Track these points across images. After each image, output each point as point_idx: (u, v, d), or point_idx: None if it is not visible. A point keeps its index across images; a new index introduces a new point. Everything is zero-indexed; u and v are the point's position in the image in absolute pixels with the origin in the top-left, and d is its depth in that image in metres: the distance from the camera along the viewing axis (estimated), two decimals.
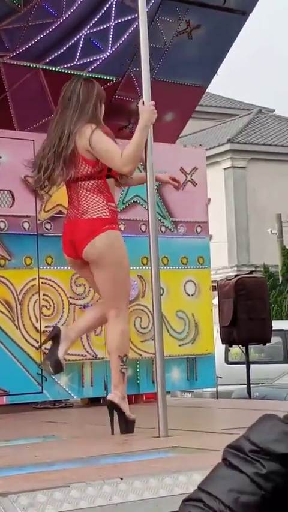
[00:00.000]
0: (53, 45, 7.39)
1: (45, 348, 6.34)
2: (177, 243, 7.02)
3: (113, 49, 7.57)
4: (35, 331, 6.30)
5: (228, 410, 6.53)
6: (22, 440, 4.56)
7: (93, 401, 6.72)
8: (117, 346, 4.66)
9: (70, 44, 7.43)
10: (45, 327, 6.33)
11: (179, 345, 6.96)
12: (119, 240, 4.68)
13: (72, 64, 7.49)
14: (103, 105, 4.85)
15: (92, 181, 4.65)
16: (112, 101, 7.34)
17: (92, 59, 7.56)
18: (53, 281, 6.42)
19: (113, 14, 7.41)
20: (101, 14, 7.39)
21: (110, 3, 7.36)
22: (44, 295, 6.36)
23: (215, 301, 8.93)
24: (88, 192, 4.67)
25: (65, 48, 7.43)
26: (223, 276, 13.78)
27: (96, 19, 7.41)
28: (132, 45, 7.24)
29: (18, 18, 7.09)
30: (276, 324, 10.85)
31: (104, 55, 7.58)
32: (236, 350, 11.92)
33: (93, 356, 6.49)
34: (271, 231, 27.39)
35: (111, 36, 7.51)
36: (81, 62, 7.53)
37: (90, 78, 5.23)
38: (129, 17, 7.33)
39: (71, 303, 6.49)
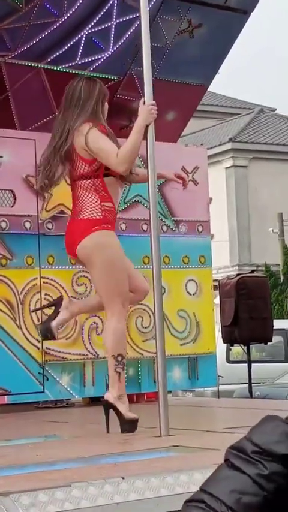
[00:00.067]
0: (54, 45, 7.39)
1: (46, 348, 6.35)
2: (179, 242, 7.02)
3: (115, 48, 7.57)
4: (37, 331, 6.29)
5: (230, 410, 6.52)
6: (23, 439, 4.56)
7: (95, 401, 6.72)
8: (111, 346, 4.68)
9: (71, 43, 7.43)
10: None
11: (181, 344, 6.96)
12: (109, 240, 4.67)
13: (73, 63, 7.49)
14: (106, 104, 4.86)
15: (89, 181, 4.69)
16: (113, 100, 7.34)
17: (93, 58, 7.56)
18: (55, 280, 6.42)
19: (115, 13, 7.41)
20: (102, 13, 7.39)
21: (111, 2, 7.36)
22: (45, 294, 6.35)
23: (217, 300, 8.93)
24: (84, 192, 4.71)
25: (66, 47, 7.43)
26: (224, 275, 13.77)
27: (97, 18, 7.41)
28: (133, 45, 7.24)
29: (20, 18, 7.09)
30: (278, 323, 10.85)
31: (106, 54, 7.58)
32: (238, 349, 11.92)
33: (94, 355, 6.49)
34: (272, 230, 27.39)
35: (112, 35, 7.51)
36: (83, 61, 7.53)
37: (93, 77, 5.25)
38: (131, 16, 7.33)
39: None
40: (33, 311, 6.16)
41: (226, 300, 8.93)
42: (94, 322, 6.51)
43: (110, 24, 7.46)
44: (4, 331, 6.17)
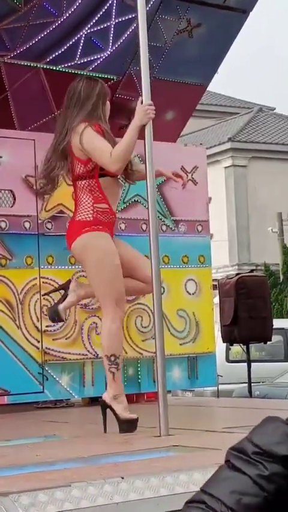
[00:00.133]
0: (53, 45, 7.39)
1: (46, 348, 6.35)
2: (178, 242, 7.02)
3: (114, 48, 7.57)
4: (36, 331, 6.30)
5: (229, 409, 6.53)
6: (23, 439, 4.56)
7: (94, 401, 6.71)
8: (105, 346, 4.70)
9: (71, 43, 7.43)
10: (46, 326, 6.34)
11: (180, 344, 6.96)
12: (97, 240, 4.68)
13: (72, 63, 7.49)
14: (107, 104, 4.86)
15: (84, 181, 4.72)
16: (113, 99, 7.33)
17: (92, 58, 7.56)
18: (54, 280, 6.42)
19: (114, 13, 7.41)
20: (101, 13, 7.39)
21: (110, 2, 7.36)
22: (44, 294, 6.35)
23: (216, 300, 8.93)
24: (80, 193, 4.77)
25: (65, 47, 7.43)
26: (224, 274, 13.77)
27: (96, 18, 7.41)
28: (132, 44, 7.23)
29: (19, 18, 7.09)
30: (277, 323, 10.86)
31: (105, 54, 7.58)
32: (237, 349, 11.92)
33: (94, 355, 6.49)
34: (272, 229, 27.40)
35: (111, 35, 7.51)
36: (82, 61, 7.53)
37: (95, 77, 5.28)
38: (130, 16, 7.33)
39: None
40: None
41: (225, 300, 8.94)
42: (94, 322, 6.51)
43: (109, 24, 7.46)
44: (4, 331, 6.17)
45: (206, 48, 7.88)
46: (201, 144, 10.91)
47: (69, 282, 5.03)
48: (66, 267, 6.45)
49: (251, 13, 8.01)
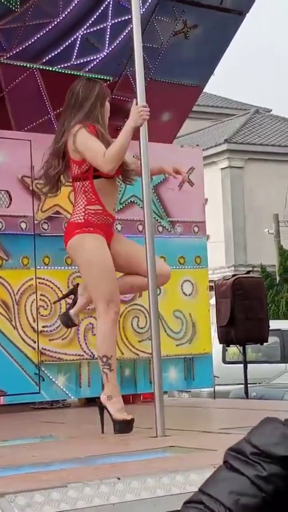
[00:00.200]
0: (49, 45, 7.39)
1: (42, 348, 6.35)
2: (174, 243, 7.03)
3: (110, 49, 7.57)
4: (32, 332, 6.30)
5: (226, 410, 6.53)
6: (19, 440, 4.56)
7: (91, 401, 6.71)
8: (98, 347, 4.73)
9: (67, 44, 7.43)
10: (43, 327, 6.34)
11: (176, 345, 6.96)
12: (87, 242, 4.70)
13: (69, 64, 7.49)
14: (107, 105, 4.87)
15: (79, 183, 4.77)
16: (109, 100, 7.34)
17: (88, 59, 7.56)
18: (50, 281, 6.42)
19: (110, 14, 7.41)
20: (97, 14, 7.39)
21: (106, 3, 7.36)
22: (41, 295, 6.36)
23: (212, 301, 8.93)
24: (76, 194, 4.84)
25: (61, 48, 7.43)
26: (220, 276, 13.77)
27: (93, 19, 7.41)
28: (129, 45, 7.21)
29: (15, 18, 7.09)
30: (274, 324, 10.86)
31: (101, 55, 7.58)
32: (234, 350, 11.93)
33: (90, 356, 6.49)
34: (268, 231, 27.39)
35: (108, 36, 7.51)
36: (78, 62, 7.53)
37: (94, 79, 5.30)
38: (126, 17, 7.32)
39: (68, 303, 6.48)
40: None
41: (222, 301, 8.94)
42: (90, 323, 6.51)
43: (105, 25, 7.46)
44: (0, 332, 6.17)
45: (202, 49, 7.88)
46: (197, 145, 10.91)
47: (77, 286, 5.04)
48: (63, 267, 6.45)
49: (248, 14, 8.03)
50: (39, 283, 6.36)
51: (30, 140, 6.42)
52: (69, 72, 7.42)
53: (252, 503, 1.48)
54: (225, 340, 9.04)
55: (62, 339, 6.42)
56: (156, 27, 7.60)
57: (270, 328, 9.20)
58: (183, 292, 7.05)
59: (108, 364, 4.64)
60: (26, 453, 3.99)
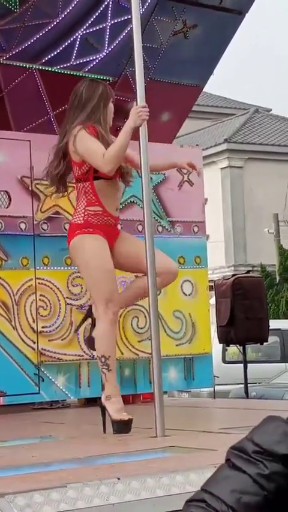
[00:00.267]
0: (49, 46, 7.39)
1: (42, 349, 6.35)
2: (174, 243, 7.02)
3: (110, 49, 7.57)
4: (32, 332, 6.30)
5: (226, 410, 6.53)
6: (19, 440, 4.56)
7: (90, 402, 6.72)
8: (97, 347, 4.75)
9: (66, 44, 7.43)
10: (42, 327, 6.34)
11: (176, 345, 6.96)
12: (86, 243, 4.71)
13: (68, 64, 7.49)
14: (110, 106, 4.88)
15: (80, 184, 4.80)
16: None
17: (88, 59, 7.56)
18: (50, 281, 6.42)
19: (109, 14, 7.41)
20: (97, 14, 7.40)
21: (106, 3, 7.36)
22: (40, 295, 6.36)
23: (212, 300, 8.93)
24: (78, 195, 4.87)
25: (61, 48, 7.43)
26: (220, 275, 13.77)
27: (92, 19, 7.41)
28: (128, 45, 7.22)
29: (15, 19, 7.09)
30: (274, 324, 10.86)
31: (101, 55, 7.58)
32: (233, 350, 11.93)
33: (90, 356, 6.49)
34: (268, 230, 27.39)
35: (107, 36, 7.51)
36: (78, 62, 7.53)
37: (98, 79, 5.33)
38: (125, 17, 7.33)
39: (67, 304, 6.49)
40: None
41: (222, 301, 8.94)
42: (89, 323, 6.50)
43: (104, 25, 7.46)
44: None
45: (201, 49, 7.88)
46: (197, 145, 10.91)
47: (90, 308, 5.00)
48: (62, 268, 6.45)
49: (248, 14, 8.03)
50: (38, 283, 6.36)
51: (29, 141, 6.42)
52: (68, 72, 7.43)
53: (254, 501, 1.48)
54: (225, 340, 9.04)
55: (62, 340, 6.42)
56: (156, 27, 7.60)
57: (270, 327, 9.19)
58: (183, 292, 7.05)
59: (106, 365, 4.64)
60: (25, 453, 3.99)
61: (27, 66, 7.37)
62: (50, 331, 6.37)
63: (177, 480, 2.99)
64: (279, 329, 13.52)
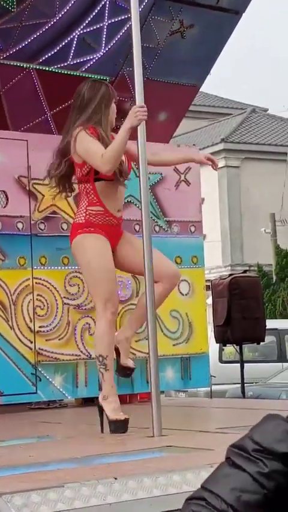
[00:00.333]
0: (46, 45, 7.39)
1: (39, 349, 6.35)
2: (171, 243, 7.02)
3: (107, 49, 7.57)
4: (29, 332, 6.29)
5: (222, 410, 6.53)
6: (16, 440, 4.56)
7: (88, 401, 6.72)
8: (95, 346, 4.78)
9: (63, 44, 7.44)
10: (39, 327, 6.34)
11: (173, 345, 6.96)
12: (87, 242, 4.72)
13: (65, 64, 7.50)
14: (112, 106, 4.88)
15: (82, 185, 4.83)
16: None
17: (85, 59, 7.56)
18: (47, 281, 6.42)
19: (107, 14, 7.42)
20: (94, 14, 7.40)
21: (103, 3, 7.37)
22: (37, 295, 6.35)
23: (209, 300, 8.93)
24: (80, 196, 4.88)
25: (58, 48, 7.44)
26: (217, 275, 13.78)
27: (89, 19, 7.42)
28: (125, 45, 7.24)
29: (12, 18, 7.09)
30: (270, 323, 10.86)
31: (98, 55, 7.58)
32: (230, 349, 11.93)
33: (87, 356, 6.49)
34: (265, 230, 27.41)
35: (104, 36, 7.52)
36: (75, 62, 7.53)
37: (100, 80, 5.34)
38: (123, 17, 7.34)
39: (65, 303, 6.49)
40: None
41: (219, 300, 8.94)
42: (87, 323, 6.51)
43: (102, 24, 7.46)
44: None
45: (198, 49, 7.89)
46: (194, 144, 10.92)
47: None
48: (59, 267, 6.45)
49: (244, 15, 8.04)
50: (35, 283, 6.36)
51: (26, 140, 6.42)
52: (65, 72, 7.43)
53: (253, 499, 1.49)
54: (222, 339, 9.04)
55: (59, 339, 6.42)
56: (153, 27, 7.60)
57: (267, 327, 9.19)
58: (180, 292, 7.06)
59: (104, 364, 4.65)
60: (22, 453, 3.99)
61: (25, 65, 7.37)
62: (47, 331, 6.37)
63: (174, 480, 2.99)
64: (275, 329, 13.52)
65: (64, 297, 6.49)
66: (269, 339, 11.53)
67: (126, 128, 4.62)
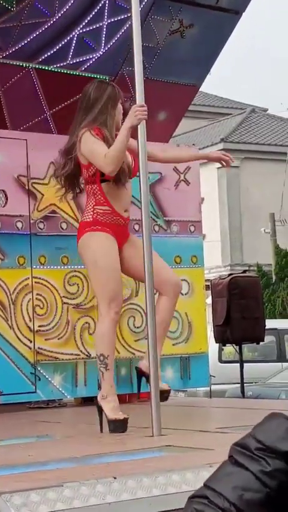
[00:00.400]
0: (45, 45, 7.39)
1: (38, 348, 6.35)
2: (171, 242, 7.02)
3: (106, 48, 7.57)
4: (29, 331, 6.29)
5: (222, 410, 6.53)
6: (15, 439, 4.56)
7: (87, 401, 6.72)
8: (96, 345, 4.79)
9: (63, 43, 7.43)
10: (39, 326, 6.33)
11: (173, 344, 6.96)
12: (94, 241, 4.72)
13: (65, 63, 7.49)
14: (118, 107, 4.88)
15: (88, 186, 4.83)
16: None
17: (84, 58, 7.56)
18: (46, 280, 6.42)
19: (106, 13, 7.41)
20: (93, 13, 7.40)
21: (102, 2, 7.36)
22: (37, 294, 6.35)
23: (209, 300, 8.93)
24: (87, 196, 4.86)
25: (57, 47, 7.43)
26: (216, 275, 13.78)
27: (89, 18, 7.41)
28: (125, 45, 7.24)
29: (11, 18, 7.09)
30: (270, 323, 10.87)
31: (97, 54, 7.58)
32: (230, 349, 11.94)
33: (86, 355, 6.49)
34: (264, 230, 27.42)
35: (104, 35, 7.51)
36: (74, 61, 7.53)
37: (107, 81, 5.33)
38: (122, 16, 7.33)
39: (64, 303, 6.49)
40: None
41: (218, 300, 8.94)
42: (86, 322, 6.51)
43: (101, 24, 7.46)
44: None
45: (198, 48, 7.89)
46: (193, 144, 10.92)
47: (138, 371, 4.90)
48: (59, 267, 6.45)
49: (244, 15, 8.03)
50: (35, 282, 6.36)
51: (26, 139, 6.42)
52: (65, 71, 7.43)
53: (256, 498, 1.49)
54: (222, 339, 9.04)
55: (58, 339, 6.42)
56: (153, 27, 7.60)
57: (267, 327, 9.19)
58: (180, 292, 7.04)
59: (104, 363, 4.65)
60: (22, 452, 3.99)
61: (24, 65, 7.37)
62: (47, 330, 6.37)
63: (173, 479, 2.99)
64: (275, 328, 13.53)
65: (63, 297, 6.48)
66: (268, 338, 11.53)
67: (126, 127, 4.62)
